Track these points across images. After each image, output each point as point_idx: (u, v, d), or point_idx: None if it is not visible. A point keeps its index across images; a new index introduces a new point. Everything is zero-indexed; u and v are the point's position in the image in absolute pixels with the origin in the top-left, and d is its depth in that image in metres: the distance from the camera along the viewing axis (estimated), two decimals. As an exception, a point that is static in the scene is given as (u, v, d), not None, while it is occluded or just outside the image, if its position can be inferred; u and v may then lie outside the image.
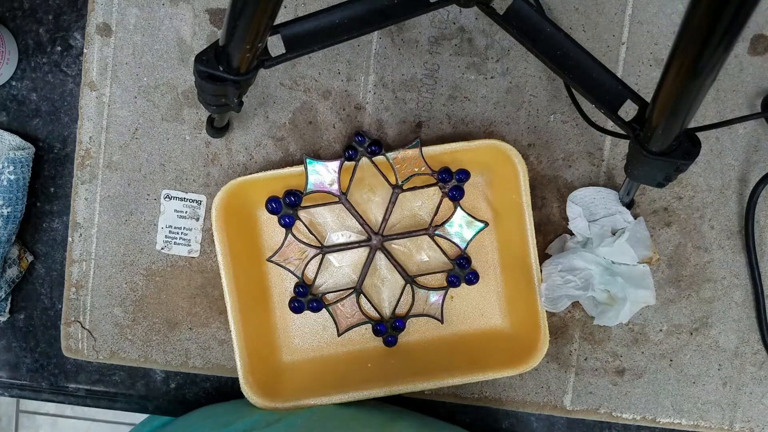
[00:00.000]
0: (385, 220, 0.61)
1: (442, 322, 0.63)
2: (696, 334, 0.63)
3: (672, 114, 0.42)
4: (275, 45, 0.49)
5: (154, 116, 0.62)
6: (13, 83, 0.63)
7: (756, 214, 0.62)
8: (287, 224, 0.61)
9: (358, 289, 0.62)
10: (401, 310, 0.63)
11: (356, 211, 0.61)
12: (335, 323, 0.62)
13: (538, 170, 0.62)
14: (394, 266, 0.62)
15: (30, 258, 0.63)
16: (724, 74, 0.61)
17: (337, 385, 0.60)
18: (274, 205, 0.60)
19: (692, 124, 0.46)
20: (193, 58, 0.46)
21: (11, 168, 0.59)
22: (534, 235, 0.59)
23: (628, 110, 0.51)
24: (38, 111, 0.63)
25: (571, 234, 0.62)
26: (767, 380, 0.63)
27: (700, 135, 0.48)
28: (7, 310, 0.63)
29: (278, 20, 0.45)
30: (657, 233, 0.62)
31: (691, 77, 0.37)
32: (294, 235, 0.61)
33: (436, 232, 0.61)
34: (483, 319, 0.63)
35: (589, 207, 0.61)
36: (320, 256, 0.61)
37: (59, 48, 0.63)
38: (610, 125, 0.60)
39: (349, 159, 0.59)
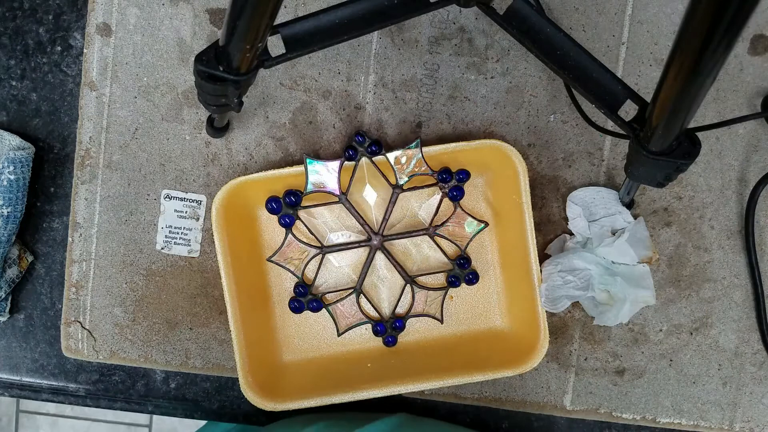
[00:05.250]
0: (385, 220, 0.61)
1: (442, 322, 0.63)
2: (696, 334, 0.63)
3: (672, 114, 0.42)
4: (275, 45, 0.49)
5: (154, 116, 0.62)
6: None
7: (756, 214, 0.62)
8: (287, 224, 0.61)
9: (358, 289, 0.62)
10: (401, 310, 0.63)
11: (356, 211, 0.61)
12: (335, 323, 0.62)
13: (538, 170, 0.62)
14: (394, 266, 0.62)
15: (30, 258, 0.63)
16: (724, 74, 0.61)
17: (337, 385, 0.60)
18: (274, 205, 0.60)
19: (692, 124, 0.46)
20: (193, 58, 0.46)
21: (11, 168, 0.59)
22: (534, 235, 0.59)
23: (628, 110, 0.51)
24: (38, 111, 0.63)
25: (571, 234, 0.62)
26: (767, 380, 0.63)
27: (700, 135, 0.48)
28: (7, 310, 0.63)
29: (278, 20, 0.45)
30: (657, 233, 0.62)
31: (691, 77, 0.37)
32: (294, 235, 0.61)
33: (436, 232, 0.61)
34: (483, 319, 0.63)
35: (589, 207, 0.61)
36: (320, 256, 0.61)
37: (59, 48, 0.63)
38: (610, 125, 0.60)
39: (349, 159, 0.59)
